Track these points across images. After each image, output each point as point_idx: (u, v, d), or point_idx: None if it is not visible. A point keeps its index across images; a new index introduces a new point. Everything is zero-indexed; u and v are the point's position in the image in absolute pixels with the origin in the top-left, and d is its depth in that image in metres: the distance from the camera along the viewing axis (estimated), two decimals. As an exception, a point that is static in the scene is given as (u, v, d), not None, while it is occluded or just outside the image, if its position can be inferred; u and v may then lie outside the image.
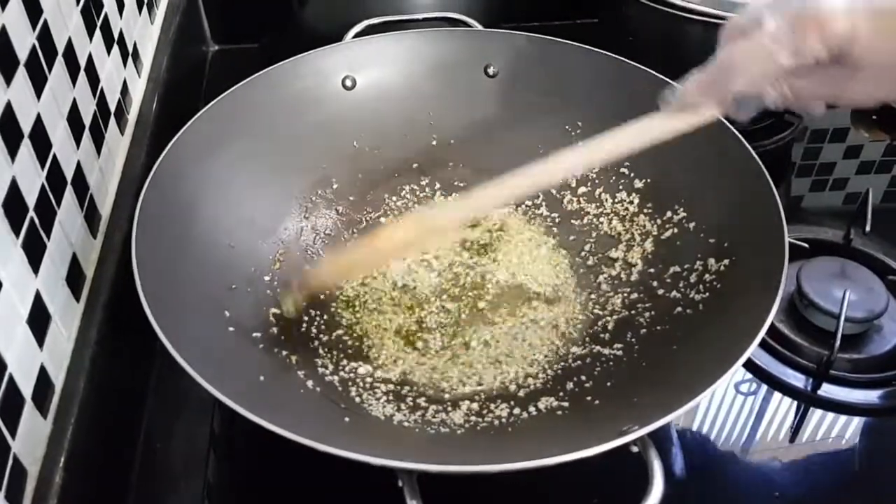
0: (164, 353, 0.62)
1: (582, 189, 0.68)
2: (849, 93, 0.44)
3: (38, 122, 0.51)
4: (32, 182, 0.49)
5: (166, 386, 0.61)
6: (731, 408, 0.60)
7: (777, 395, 0.61)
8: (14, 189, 0.47)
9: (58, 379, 0.51)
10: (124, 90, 0.70)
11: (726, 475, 0.57)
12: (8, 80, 0.47)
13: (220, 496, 0.55)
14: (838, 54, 0.41)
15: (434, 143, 0.70)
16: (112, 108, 0.66)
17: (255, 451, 0.57)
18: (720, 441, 0.58)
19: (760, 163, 0.56)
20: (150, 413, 0.59)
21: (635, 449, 0.42)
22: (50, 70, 0.54)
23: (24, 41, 0.50)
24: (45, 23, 0.54)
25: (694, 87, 0.46)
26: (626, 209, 0.65)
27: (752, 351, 0.45)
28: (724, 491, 0.56)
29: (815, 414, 0.60)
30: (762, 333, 0.46)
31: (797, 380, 0.61)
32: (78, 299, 0.55)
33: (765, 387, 0.61)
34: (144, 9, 0.79)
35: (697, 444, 0.58)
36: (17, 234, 0.47)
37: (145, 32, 0.79)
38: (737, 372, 0.60)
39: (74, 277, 0.55)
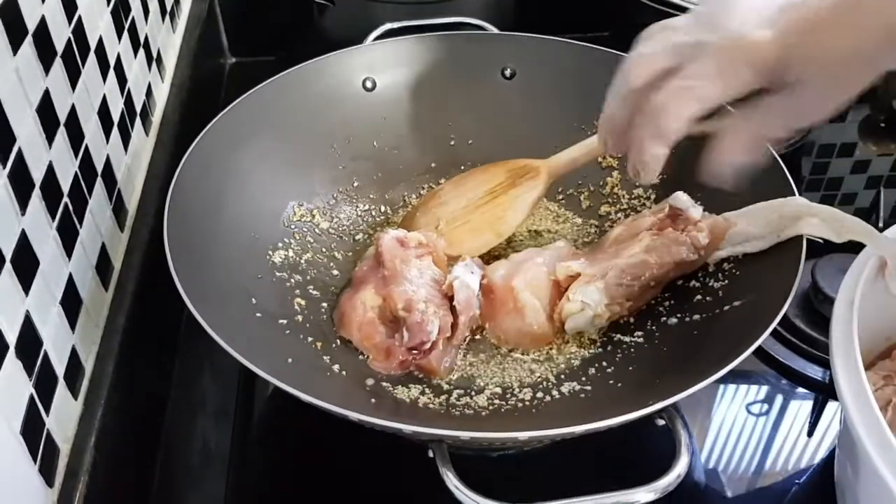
0: (186, 348, 0.64)
1: (596, 186, 0.69)
2: (799, 113, 0.43)
3: (73, 112, 0.52)
4: (67, 169, 0.51)
5: (188, 377, 0.62)
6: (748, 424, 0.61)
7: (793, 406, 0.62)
8: (51, 173, 0.48)
9: (87, 362, 0.51)
10: (149, 92, 0.72)
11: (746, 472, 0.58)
12: (47, 69, 0.49)
13: (242, 484, 0.55)
14: (774, 79, 0.42)
15: (452, 143, 0.71)
16: (138, 108, 0.68)
17: (278, 430, 0.59)
18: (740, 439, 0.59)
19: (774, 151, 0.57)
20: (173, 400, 0.60)
21: (661, 422, 0.43)
22: (83, 64, 0.55)
23: (61, 34, 0.52)
24: (80, 19, 0.55)
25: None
26: (643, 204, 0.66)
27: (768, 336, 0.46)
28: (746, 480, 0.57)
29: (833, 406, 0.61)
30: (781, 314, 0.47)
31: (814, 371, 0.62)
32: (106, 288, 0.56)
33: (781, 395, 0.62)
34: (168, 17, 0.81)
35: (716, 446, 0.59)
36: (52, 217, 0.48)
37: (168, 40, 0.81)
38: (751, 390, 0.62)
39: (103, 267, 0.56)
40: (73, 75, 0.53)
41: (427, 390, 0.53)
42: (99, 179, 0.56)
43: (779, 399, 0.62)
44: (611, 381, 0.53)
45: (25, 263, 0.43)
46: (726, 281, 0.55)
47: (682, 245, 0.55)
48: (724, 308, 0.53)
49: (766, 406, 0.61)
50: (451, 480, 0.40)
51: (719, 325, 0.53)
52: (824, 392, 0.61)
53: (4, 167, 0.42)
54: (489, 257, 0.63)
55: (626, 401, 0.47)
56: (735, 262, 0.56)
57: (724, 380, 0.63)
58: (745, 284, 0.54)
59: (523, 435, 0.40)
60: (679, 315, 0.56)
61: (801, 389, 0.62)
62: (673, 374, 0.49)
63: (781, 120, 0.44)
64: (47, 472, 0.44)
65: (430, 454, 0.41)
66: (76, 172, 0.52)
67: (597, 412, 0.43)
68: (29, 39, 0.46)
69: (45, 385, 0.45)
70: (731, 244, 0.56)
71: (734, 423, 0.60)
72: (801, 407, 0.61)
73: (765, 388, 0.62)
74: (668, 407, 0.42)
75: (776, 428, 0.60)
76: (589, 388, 0.53)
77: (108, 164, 0.59)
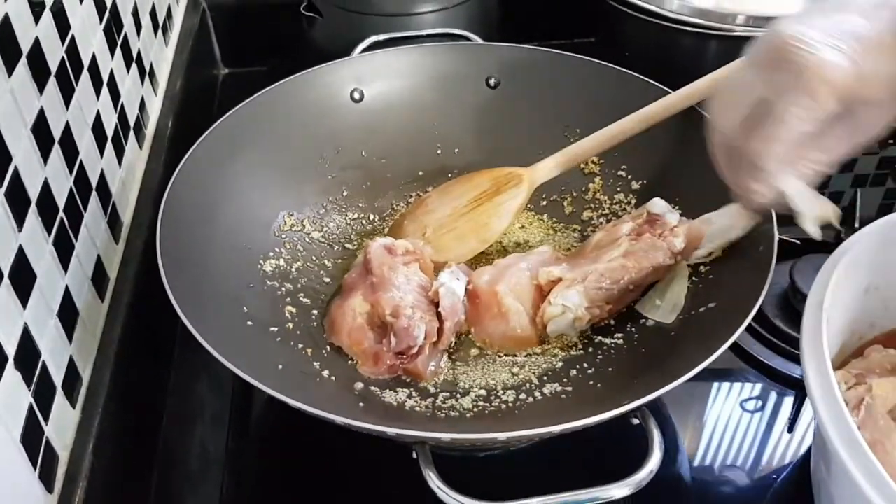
0: (182, 356, 0.66)
1: (579, 192, 0.70)
2: (865, 131, 0.45)
3: (67, 129, 0.54)
4: (62, 185, 0.52)
5: (184, 385, 0.64)
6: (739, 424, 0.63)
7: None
8: (46, 190, 0.50)
9: (85, 372, 0.53)
10: (142, 106, 0.73)
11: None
12: (41, 89, 0.50)
13: (238, 488, 0.57)
14: (850, 101, 0.43)
15: (439, 151, 0.73)
16: (131, 122, 0.70)
17: (274, 436, 0.61)
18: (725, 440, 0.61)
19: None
20: (169, 407, 0.62)
21: (636, 421, 0.44)
22: (77, 82, 0.57)
23: (55, 53, 0.53)
24: (73, 38, 0.57)
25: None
26: (625, 209, 0.67)
27: (749, 335, 0.48)
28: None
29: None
30: (751, 316, 0.49)
31: (793, 369, 0.64)
32: (102, 299, 0.58)
33: (762, 393, 0.64)
34: (160, 31, 0.83)
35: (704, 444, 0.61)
36: (48, 231, 0.49)
37: (161, 54, 0.82)
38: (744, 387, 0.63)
39: (99, 278, 0.57)
40: (67, 93, 0.55)
41: (414, 393, 0.55)
42: (94, 193, 0.58)
43: (760, 397, 0.63)
44: (591, 382, 0.54)
45: (23, 278, 0.45)
46: (702, 285, 0.57)
47: (659, 250, 0.57)
48: (700, 310, 0.55)
49: (747, 404, 0.63)
50: (433, 481, 0.42)
51: (695, 326, 0.54)
52: (804, 390, 0.63)
53: (1, 186, 0.43)
54: (480, 262, 0.65)
55: (605, 401, 0.48)
56: (710, 264, 0.58)
57: (707, 378, 0.64)
58: (719, 286, 0.56)
59: (502, 436, 0.41)
60: (658, 317, 0.58)
61: (781, 387, 0.64)
62: (649, 375, 0.50)
63: (848, 138, 0.46)
64: (47, 479, 0.46)
65: (414, 455, 0.43)
66: (71, 188, 0.54)
67: (575, 413, 0.44)
68: (23, 60, 0.48)
69: (43, 394, 0.46)
70: (710, 241, 0.57)
71: (717, 421, 0.61)
72: (781, 404, 0.63)
73: (746, 387, 0.64)
74: (641, 406, 0.44)
75: (757, 425, 0.61)
76: (570, 388, 0.54)
77: (102, 178, 0.60)
